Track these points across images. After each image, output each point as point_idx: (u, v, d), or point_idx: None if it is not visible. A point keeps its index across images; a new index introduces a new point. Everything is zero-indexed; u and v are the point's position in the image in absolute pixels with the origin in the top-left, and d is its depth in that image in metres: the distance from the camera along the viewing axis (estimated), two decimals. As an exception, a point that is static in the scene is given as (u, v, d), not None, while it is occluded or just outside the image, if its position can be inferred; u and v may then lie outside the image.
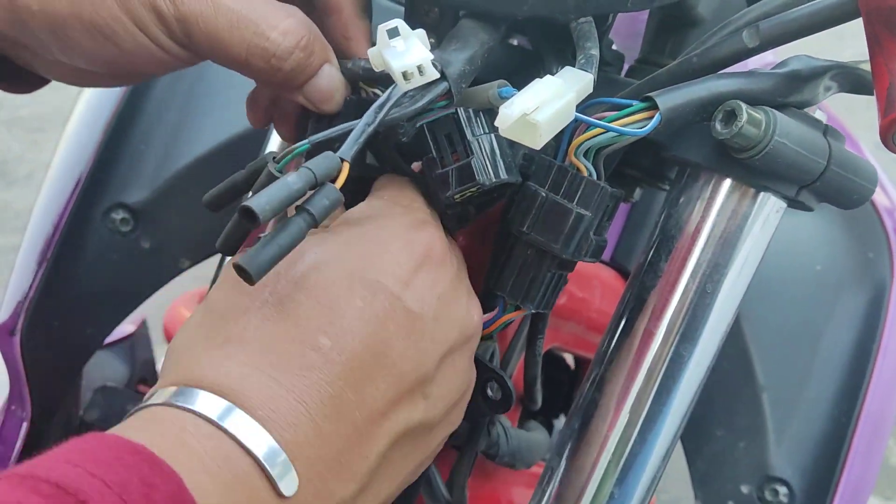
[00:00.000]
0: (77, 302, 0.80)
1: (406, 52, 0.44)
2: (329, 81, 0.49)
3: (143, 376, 1.06)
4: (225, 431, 0.38)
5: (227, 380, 0.40)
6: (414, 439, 0.45)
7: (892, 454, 2.13)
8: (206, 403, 0.39)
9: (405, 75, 0.44)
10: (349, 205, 0.51)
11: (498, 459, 0.66)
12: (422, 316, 0.44)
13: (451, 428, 0.49)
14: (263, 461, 0.38)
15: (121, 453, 0.35)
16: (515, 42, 0.60)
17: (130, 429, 0.38)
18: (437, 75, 0.45)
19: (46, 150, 3.08)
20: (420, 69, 0.44)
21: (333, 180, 0.42)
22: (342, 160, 0.43)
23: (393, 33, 0.44)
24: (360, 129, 0.44)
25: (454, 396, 0.47)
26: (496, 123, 0.43)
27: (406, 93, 0.46)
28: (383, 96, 0.45)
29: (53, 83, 0.54)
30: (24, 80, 0.53)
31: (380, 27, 0.44)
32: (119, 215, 0.81)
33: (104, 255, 0.80)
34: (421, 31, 0.46)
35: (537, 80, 0.44)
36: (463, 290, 0.47)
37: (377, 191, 0.49)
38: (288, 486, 0.39)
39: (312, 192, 0.42)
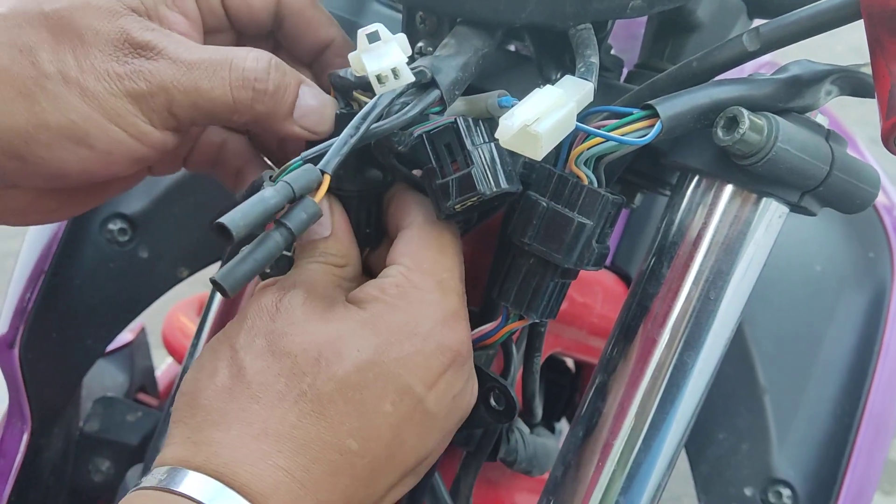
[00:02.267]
0: (76, 313, 0.79)
1: (383, 56, 0.44)
2: (315, 98, 0.49)
3: (143, 384, 1.06)
4: None
5: (260, 484, 0.41)
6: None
7: (891, 448, 2.13)
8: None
9: (379, 78, 0.44)
10: (357, 215, 0.51)
11: (516, 466, 0.66)
12: (436, 416, 0.47)
13: None
14: None
15: None
16: (513, 48, 0.60)
17: None
18: (412, 78, 0.45)
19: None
20: (395, 72, 0.44)
21: (314, 193, 0.42)
22: (323, 173, 0.42)
23: (373, 37, 0.44)
24: (342, 140, 0.43)
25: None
26: (496, 135, 0.43)
27: (397, 102, 0.45)
28: (367, 106, 0.45)
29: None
30: None
31: (359, 31, 0.44)
32: (116, 225, 0.80)
33: (102, 265, 0.80)
34: (401, 36, 0.45)
35: (537, 90, 0.44)
36: (471, 378, 0.50)
37: (402, 255, 0.49)
38: None
39: (291, 205, 0.41)
